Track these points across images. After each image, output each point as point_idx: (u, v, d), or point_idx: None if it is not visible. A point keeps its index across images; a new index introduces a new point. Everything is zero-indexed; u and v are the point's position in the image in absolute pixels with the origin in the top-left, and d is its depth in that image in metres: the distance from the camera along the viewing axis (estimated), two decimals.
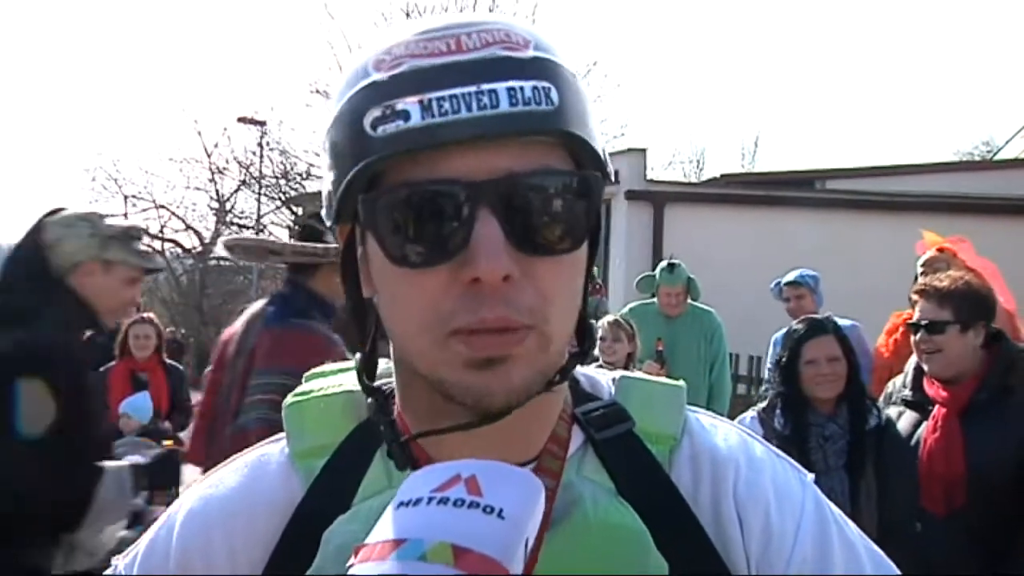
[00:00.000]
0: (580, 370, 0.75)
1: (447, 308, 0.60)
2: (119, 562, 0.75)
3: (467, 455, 0.56)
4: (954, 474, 2.44)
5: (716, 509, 0.69)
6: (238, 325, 2.65)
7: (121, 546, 1.53)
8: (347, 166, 0.62)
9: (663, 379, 0.77)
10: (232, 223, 22.61)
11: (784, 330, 3.21)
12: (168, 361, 4.95)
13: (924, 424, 2.56)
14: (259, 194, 21.36)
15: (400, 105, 0.59)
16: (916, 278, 3.29)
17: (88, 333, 2.29)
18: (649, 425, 0.72)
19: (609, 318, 4.26)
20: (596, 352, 4.02)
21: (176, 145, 36.08)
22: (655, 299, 4.90)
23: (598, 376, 0.77)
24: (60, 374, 2.04)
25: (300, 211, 20.76)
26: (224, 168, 21.92)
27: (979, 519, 2.40)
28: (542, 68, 0.62)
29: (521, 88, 0.60)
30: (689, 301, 4.88)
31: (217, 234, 22.71)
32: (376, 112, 0.60)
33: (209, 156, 21.77)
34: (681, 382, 0.77)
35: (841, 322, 3.10)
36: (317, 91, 17.87)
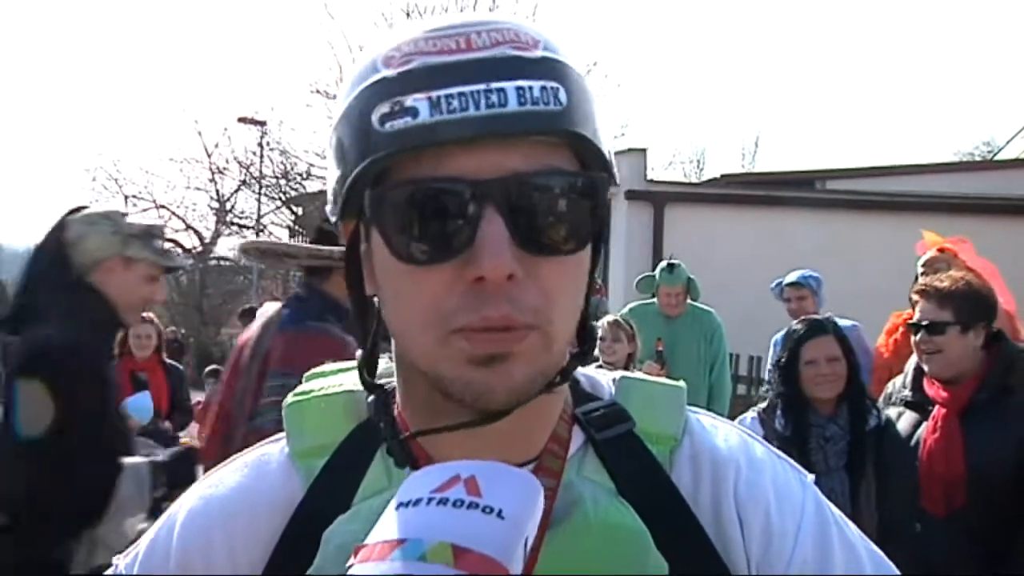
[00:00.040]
0: (580, 370, 0.75)
1: (450, 306, 0.60)
2: (120, 561, 0.75)
3: (467, 455, 0.56)
4: (954, 474, 2.44)
5: (716, 509, 0.69)
6: (254, 329, 2.67)
7: None
8: (354, 161, 0.62)
9: (663, 380, 0.77)
10: (232, 223, 22.63)
11: (784, 331, 3.22)
12: (168, 361, 4.95)
13: (924, 424, 2.56)
14: (259, 194, 21.38)
15: (409, 101, 0.59)
16: (916, 278, 3.29)
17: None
18: (650, 425, 0.72)
19: (609, 318, 4.26)
20: (596, 352, 4.01)
21: (176, 145, 36.05)
22: (655, 299, 4.89)
23: (598, 376, 0.77)
24: (82, 371, 2.09)
25: (300, 211, 20.79)
26: (224, 168, 21.95)
27: (979, 519, 2.40)
28: (551, 68, 0.62)
29: (530, 88, 0.60)
30: (689, 301, 4.88)
31: (217, 234, 22.76)
32: (384, 108, 0.60)
33: (209, 156, 21.80)
34: (681, 383, 0.77)
35: (841, 322, 3.11)
36: (317, 91, 17.89)
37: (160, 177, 28.71)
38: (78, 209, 2.31)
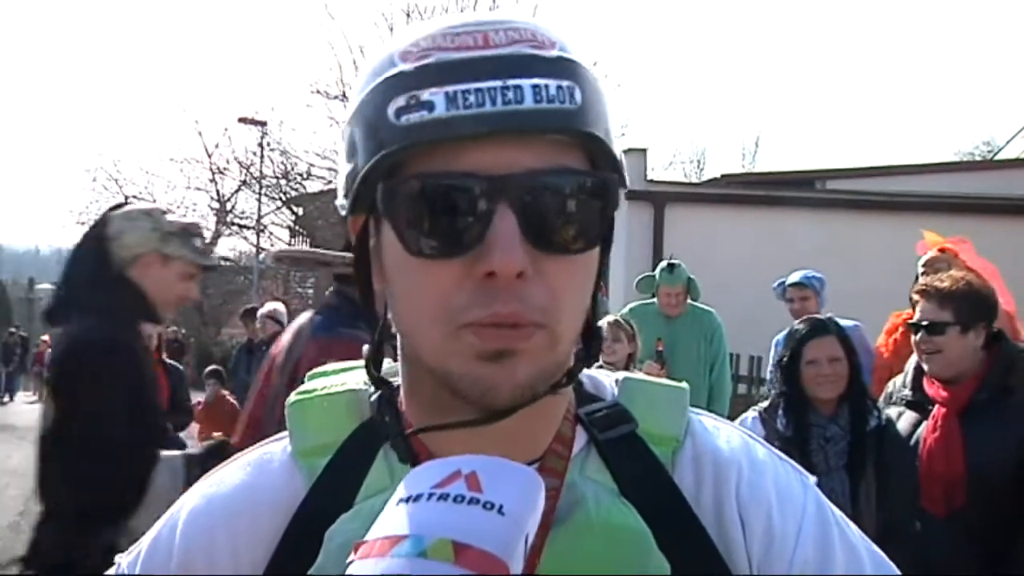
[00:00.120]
0: (583, 371, 0.76)
1: (460, 302, 0.60)
2: (122, 560, 0.75)
3: (470, 453, 0.56)
4: (954, 474, 2.44)
5: (718, 510, 0.69)
6: (285, 338, 2.70)
7: None
8: (368, 154, 0.62)
9: (666, 381, 0.77)
10: (232, 223, 22.64)
11: (786, 331, 3.22)
12: (168, 361, 4.95)
13: (924, 424, 2.56)
14: (260, 194, 21.37)
15: (425, 95, 0.60)
16: (916, 278, 3.29)
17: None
18: (652, 427, 0.72)
19: (609, 318, 4.25)
20: None
21: (177, 145, 36.10)
22: (655, 299, 4.89)
23: (601, 377, 0.77)
24: (122, 364, 2.14)
25: (300, 211, 20.80)
26: (225, 168, 21.96)
27: (979, 519, 2.40)
28: (566, 68, 0.62)
29: (546, 86, 0.60)
30: (689, 301, 4.88)
31: (218, 234, 22.74)
32: (400, 101, 0.60)
33: (210, 156, 21.82)
34: (684, 384, 0.77)
35: (843, 322, 3.10)
36: (317, 91, 17.91)
37: (160, 177, 28.76)
38: (120, 205, 2.38)
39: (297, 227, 21.80)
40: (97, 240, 2.27)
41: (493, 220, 0.59)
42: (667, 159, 28.78)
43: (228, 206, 22.71)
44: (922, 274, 3.48)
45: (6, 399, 22.56)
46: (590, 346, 0.70)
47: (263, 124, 20.64)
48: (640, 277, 5.14)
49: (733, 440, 0.74)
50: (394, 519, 0.51)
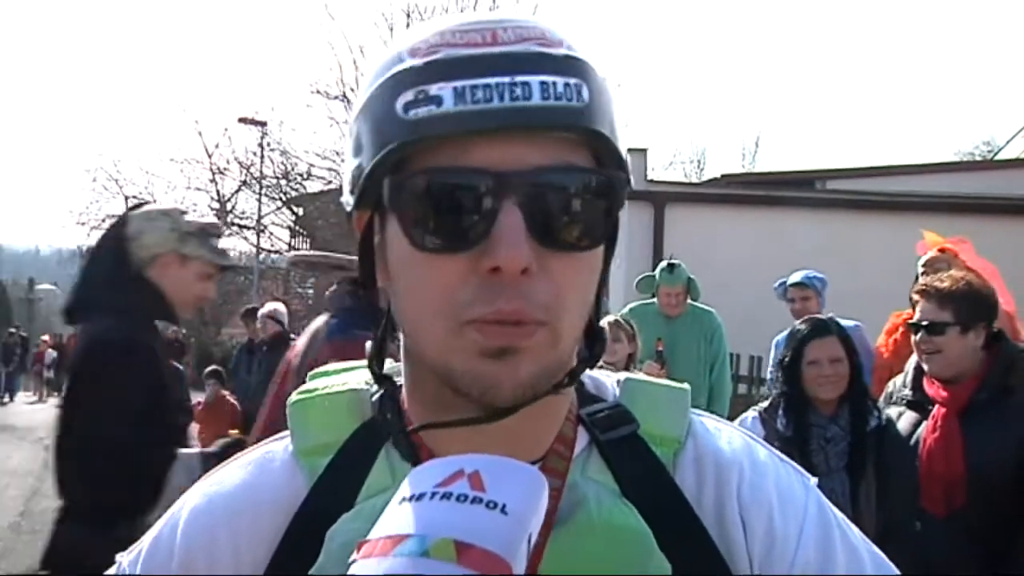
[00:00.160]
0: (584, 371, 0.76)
1: (464, 297, 0.61)
2: (123, 559, 0.74)
3: (472, 452, 0.56)
4: (953, 474, 2.44)
5: (719, 511, 0.69)
6: (300, 342, 2.71)
7: None
8: (375, 148, 0.62)
9: (668, 382, 0.77)
10: (233, 224, 22.62)
11: (786, 331, 3.22)
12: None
13: (924, 424, 2.56)
14: (260, 195, 21.37)
15: (434, 90, 0.60)
16: (916, 278, 3.29)
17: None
18: (654, 427, 0.72)
19: (609, 318, 4.25)
20: None
21: (177, 146, 36.10)
22: (655, 299, 4.89)
23: (602, 378, 0.77)
24: (141, 364, 2.16)
25: (300, 211, 20.79)
26: (225, 168, 21.95)
27: (979, 519, 2.40)
28: (574, 66, 0.62)
29: (554, 83, 0.60)
30: (689, 301, 4.87)
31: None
32: (409, 96, 0.61)
33: (210, 156, 21.80)
34: (686, 385, 0.77)
35: (843, 322, 3.10)
36: (318, 91, 17.90)
37: (160, 178, 28.68)
38: (139, 205, 2.40)
39: (297, 227, 21.80)
40: (116, 240, 2.29)
41: (499, 216, 0.59)
42: (667, 159, 28.83)
43: (228, 206, 22.69)
44: (922, 274, 3.47)
45: (6, 399, 22.56)
46: (593, 346, 0.70)
47: (263, 124, 20.63)
48: (640, 277, 5.14)
49: (735, 441, 0.74)
50: (396, 518, 0.50)
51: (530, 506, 0.51)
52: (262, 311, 6.97)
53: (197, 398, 5.71)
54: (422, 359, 0.65)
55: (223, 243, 2.83)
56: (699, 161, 29.05)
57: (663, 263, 5.01)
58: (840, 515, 0.73)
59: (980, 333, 2.53)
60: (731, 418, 3.02)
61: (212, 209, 22.68)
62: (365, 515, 0.63)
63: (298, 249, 21.60)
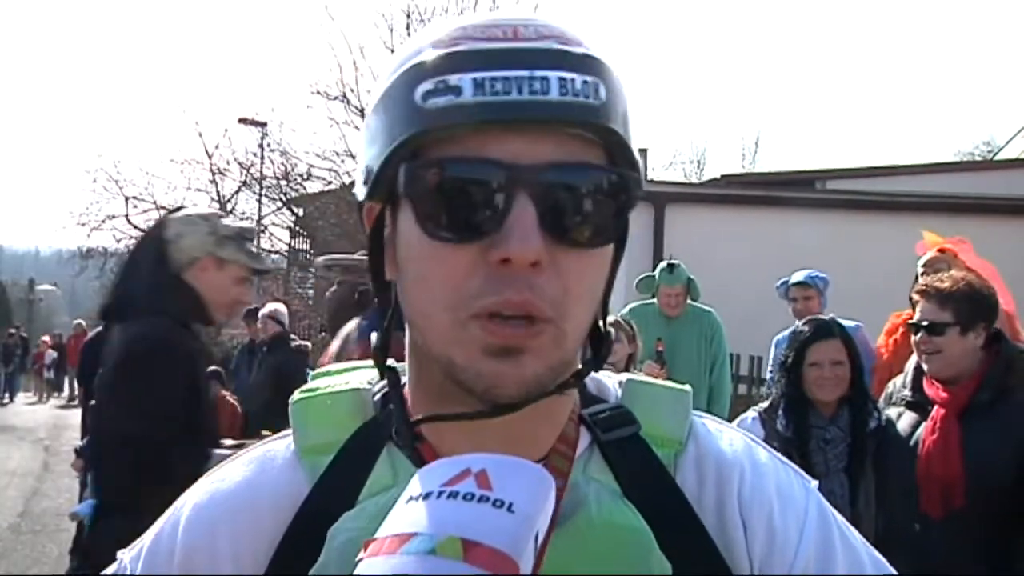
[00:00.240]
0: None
1: (472, 288, 0.61)
2: (125, 556, 0.75)
3: (475, 451, 0.57)
4: (952, 475, 2.44)
5: (720, 512, 0.69)
6: (335, 344, 2.74)
7: None
8: (391, 137, 0.63)
9: (669, 383, 0.78)
10: None
11: (787, 331, 3.22)
12: None
13: (923, 425, 2.56)
14: (260, 195, 21.33)
15: (454, 80, 0.60)
16: (916, 278, 3.29)
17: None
18: (655, 428, 0.72)
19: (609, 318, 4.24)
20: None
21: (177, 146, 35.97)
22: (655, 299, 4.89)
23: (604, 379, 0.78)
24: (178, 364, 2.18)
25: (301, 212, 20.77)
26: (225, 169, 21.88)
27: (978, 520, 2.40)
28: (593, 65, 0.63)
29: (572, 80, 0.61)
30: (689, 301, 4.88)
31: None
32: (428, 85, 0.61)
33: (210, 157, 21.73)
34: (687, 387, 0.77)
35: (844, 323, 3.10)
36: (318, 92, 17.84)
37: (161, 178, 28.58)
38: (178, 208, 2.44)
39: (297, 228, 21.77)
40: (155, 242, 2.32)
41: (512, 208, 0.60)
42: (667, 159, 28.77)
43: (228, 207, 22.64)
44: (922, 274, 3.47)
45: (6, 400, 22.55)
46: (598, 348, 0.70)
47: (263, 125, 20.59)
48: (640, 277, 5.14)
49: (736, 443, 0.74)
50: (403, 517, 0.51)
51: (537, 505, 0.51)
52: (263, 311, 6.95)
53: None
54: (427, 351, 0.66)
55: None
56: (699, 161, 29.02)
57: (663, 263, 5.01)
58: (840, 517, 0.74)
59: (980, 333, 2.53)
60: (731, 418, 3.03)
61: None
62: (367, 514, 0.64)
63: (298, 249, 21.61)
